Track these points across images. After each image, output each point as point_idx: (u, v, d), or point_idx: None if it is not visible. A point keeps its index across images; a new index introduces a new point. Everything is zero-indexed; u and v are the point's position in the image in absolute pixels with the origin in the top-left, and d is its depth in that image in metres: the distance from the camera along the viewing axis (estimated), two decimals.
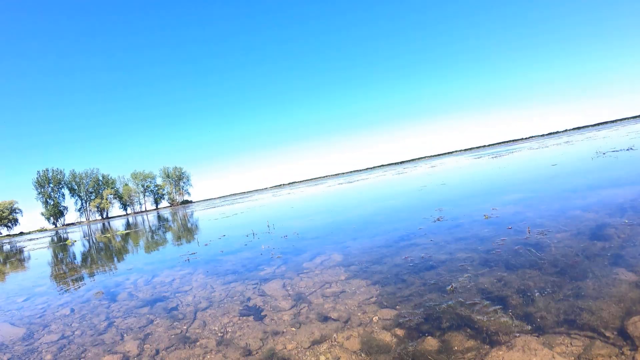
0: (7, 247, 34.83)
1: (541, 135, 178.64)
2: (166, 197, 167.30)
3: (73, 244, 18.20)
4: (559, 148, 21.73)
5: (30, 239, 45.37)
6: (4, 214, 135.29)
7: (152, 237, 16.33)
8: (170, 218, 42.50)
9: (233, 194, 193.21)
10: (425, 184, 15.98)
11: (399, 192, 14.71)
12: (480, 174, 15.76)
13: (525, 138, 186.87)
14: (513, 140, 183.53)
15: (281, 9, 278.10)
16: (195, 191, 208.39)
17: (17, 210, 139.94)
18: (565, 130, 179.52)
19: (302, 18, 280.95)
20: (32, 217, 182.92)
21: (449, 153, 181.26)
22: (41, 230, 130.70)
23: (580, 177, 9.87)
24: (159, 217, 48.96)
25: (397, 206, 10.33)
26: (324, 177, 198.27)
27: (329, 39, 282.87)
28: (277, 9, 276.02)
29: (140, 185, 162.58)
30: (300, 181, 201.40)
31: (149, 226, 23.82)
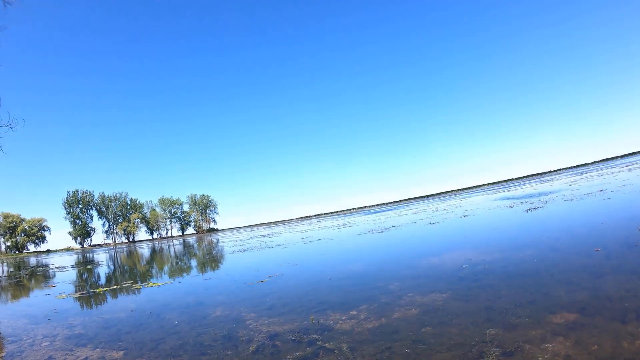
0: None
1: (575, 167, 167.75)
2: (192, 224, 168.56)
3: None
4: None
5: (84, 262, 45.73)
6: (32, 231, 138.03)
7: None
8: (195, 246, 42.59)
9: (258, 224, 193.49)
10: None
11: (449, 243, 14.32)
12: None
13: (554, 171, 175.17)
14: (539, 174, 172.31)
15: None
16: (221, 219, 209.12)
17: (45, 228, 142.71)
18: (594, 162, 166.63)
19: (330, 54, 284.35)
20: (59, 235, 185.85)
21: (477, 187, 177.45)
22: (68, 250, 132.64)
23: None
24: (184, 243, 49.15)
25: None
26: (350, 209, 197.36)
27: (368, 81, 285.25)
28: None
29: (167, 211, 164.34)
30: (327, 213, 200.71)
31: (176, 259, 23.78)
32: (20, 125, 11.06)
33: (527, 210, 15.23)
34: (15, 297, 12.65)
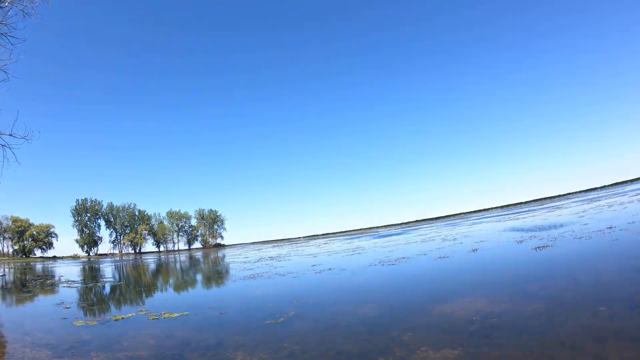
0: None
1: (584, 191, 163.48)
2: (199, 238, 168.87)
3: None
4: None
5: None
6: (40, 236, 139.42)
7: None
8: (203, 264, 42.79)
9: (265, 241, 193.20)
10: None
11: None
12: None
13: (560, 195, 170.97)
14: (548, 199, 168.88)
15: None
16: (228, 234, 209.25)
17: (53, 235, 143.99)
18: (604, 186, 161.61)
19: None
20: (66, 241, 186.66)
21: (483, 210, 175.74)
22: (74, 258, 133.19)
23: None
24: (191, 258, 49.35)
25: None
26: (358, 230, 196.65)
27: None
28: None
29: (174, 225, 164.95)
30: (335, 233, 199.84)
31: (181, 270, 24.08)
32: (36, 137, 11.51)
33: (536, 248, 15.38)
34: (33, 317, 12.90)
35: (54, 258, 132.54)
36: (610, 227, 17.47)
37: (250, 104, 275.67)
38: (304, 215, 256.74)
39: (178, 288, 20.12)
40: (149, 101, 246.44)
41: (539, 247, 15.42)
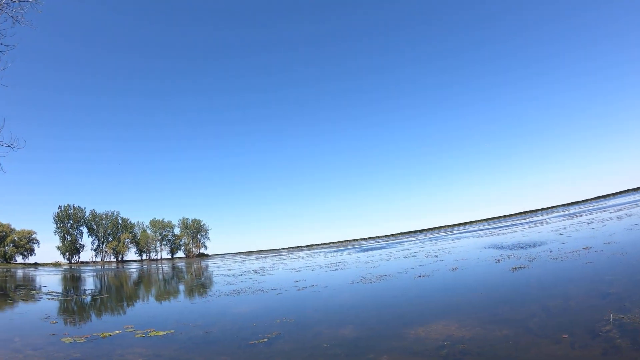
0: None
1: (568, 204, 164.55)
2: (183, 247, 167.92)
3: None
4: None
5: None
6: (21, 242, 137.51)
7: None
8: (187, 275, 42.78)
9: (249, 252, 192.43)
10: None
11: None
12: None
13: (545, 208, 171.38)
14: (531, 212, 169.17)
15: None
16: (212, 244, 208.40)
17: (35, 241, 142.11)
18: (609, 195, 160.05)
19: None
20: (48, 248, 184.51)
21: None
22: (56, 265, 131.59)
23: None
24: (175, 269, 49.23)
25: None
26: (342, 242, 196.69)
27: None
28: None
29: (158, 234, 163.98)
30: (319, 244, 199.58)
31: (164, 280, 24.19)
32: (21, 145, 11.58)
33: (513, 269, 15.86)
34: (21, 333, 12.92)
35: (35, 265, 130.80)
36: (587, 248, 17.96)
37: (237, 111, 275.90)
38: (288, 226, 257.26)
39: (163, 303, 20.29)
40: (135, 107, 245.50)
41: (515, 268, 15.89)
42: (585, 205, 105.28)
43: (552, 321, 8.25)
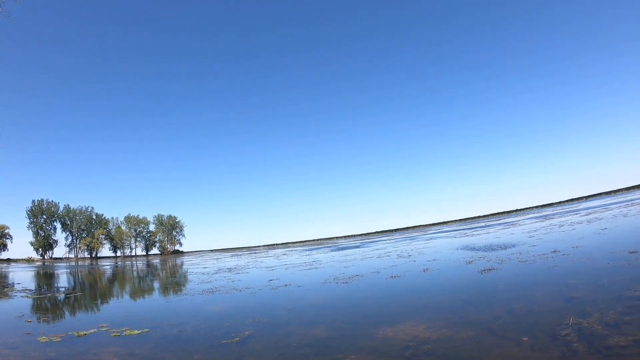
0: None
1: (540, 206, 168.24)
2: (157, 244, 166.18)
3: None
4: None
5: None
6: None
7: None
8: (161, 272, 42.47)
9: (224, 249, 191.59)
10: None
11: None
12: None
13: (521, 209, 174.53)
14: (505, 213, 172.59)
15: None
16: (187, 240, 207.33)
17: (7, 236, 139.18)
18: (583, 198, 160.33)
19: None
20: (20, 243, 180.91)
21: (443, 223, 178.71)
22: (29, 261, 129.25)
23: None
24: (149, 266, 48.80)
25: None
26: (317, 240, 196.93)
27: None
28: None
29: (132, 230, 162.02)
30: (294, 242, 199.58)
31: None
32: None
33: (482, 270, 16.18)
34: None
35: (8, 261, 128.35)
36: (555, 251, 18.32)
37: (213, 108, 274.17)
38: (264, 223, 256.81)
39: (137, 301, 20.18)
40: (109, 104, 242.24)
41: (485, 270, 16.20)
42: (558, 208, 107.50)
43: (515, 324, 8.52)
